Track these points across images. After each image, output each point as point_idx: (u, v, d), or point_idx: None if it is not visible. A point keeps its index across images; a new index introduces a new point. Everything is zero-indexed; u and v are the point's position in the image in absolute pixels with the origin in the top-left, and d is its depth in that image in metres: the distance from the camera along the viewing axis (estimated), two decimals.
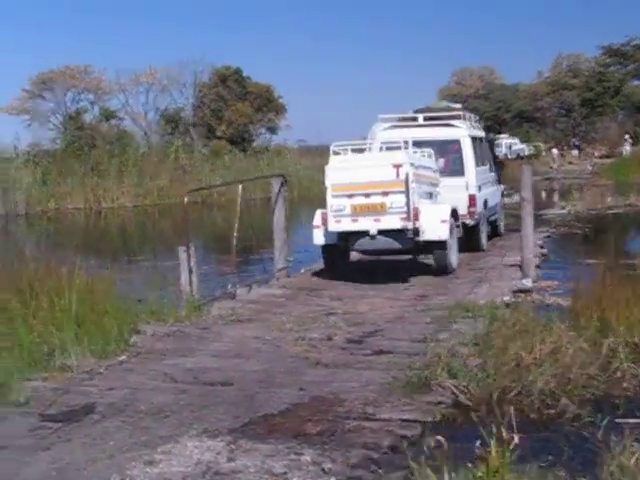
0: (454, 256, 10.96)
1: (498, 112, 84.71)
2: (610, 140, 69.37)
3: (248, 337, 7.50)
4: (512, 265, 11.14)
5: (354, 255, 11.86)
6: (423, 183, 10.74)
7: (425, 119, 12.79)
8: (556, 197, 30.22)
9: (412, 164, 10.27)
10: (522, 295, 9.39)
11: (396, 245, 10.20)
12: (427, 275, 10.87)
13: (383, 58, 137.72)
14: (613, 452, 3.89)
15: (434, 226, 10.26)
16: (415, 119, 12.90)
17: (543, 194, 31.99)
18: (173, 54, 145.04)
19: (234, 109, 50.43)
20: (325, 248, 10.94)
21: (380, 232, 10.02)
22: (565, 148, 56.02)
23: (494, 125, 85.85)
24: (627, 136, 48.59)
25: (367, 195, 10.00)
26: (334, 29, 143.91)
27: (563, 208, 22.45)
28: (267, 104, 53.03)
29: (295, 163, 38.11)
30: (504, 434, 3.79)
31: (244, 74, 53.35)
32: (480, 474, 3.66)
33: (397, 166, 9.95)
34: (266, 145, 49.34)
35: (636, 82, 56.13)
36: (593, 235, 17.13)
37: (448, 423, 5.16)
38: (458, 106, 14.99)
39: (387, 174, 9.95)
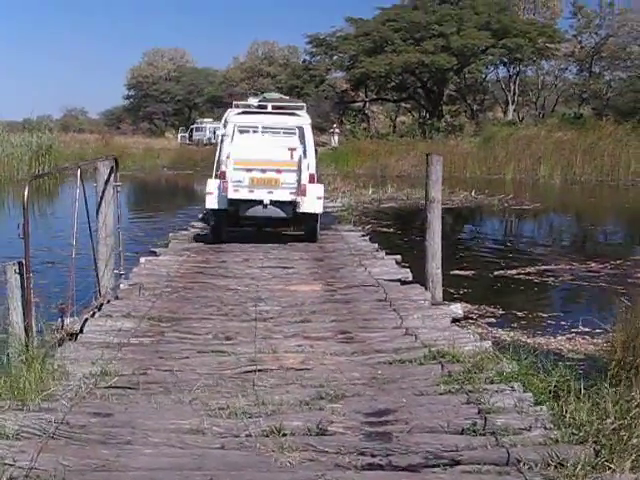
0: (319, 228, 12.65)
1: (190, 95, 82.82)
2: None
3: (186, 429, 4.52)
4: (405, 282, 9.03)
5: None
6: None
7: (273, 108, 13.56)
8: None
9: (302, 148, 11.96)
10: (460, 329, 7.32)
11: (282, 214, 11.72)
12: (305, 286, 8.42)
13: (72, 36, 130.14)
14: None
15: (312, 201, 11.74)
16: (265, 107, 13.64)
17: None
18: None
19: None
20: (216, 212, 12.13)
21: (272, 202, 11.49)
22: None
23: (184, 108, 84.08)
24: (335, 126, 48.74)
25: (263, 171, 11.49)
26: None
27: (333, 200, 20.88)
28: None
29: (3, 140, 32.07)
30: None
31: None
32: None
33: (292, 149, 11.68)
34: None
35: (340, 73, 56.70)
36: (404, 234, 15.61)
37: None
38: (287, 98, 17.24)
39: (283, 155, 11.58)
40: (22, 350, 5.43)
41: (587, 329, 7.73)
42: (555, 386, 5.19)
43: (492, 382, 5.29)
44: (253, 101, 14.68)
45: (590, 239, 16.62)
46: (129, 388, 5.27)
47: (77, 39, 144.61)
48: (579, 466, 3.97)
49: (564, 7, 59.28)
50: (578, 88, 60.44)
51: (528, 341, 7.16)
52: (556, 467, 4.05)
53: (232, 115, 13.09)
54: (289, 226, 13.08)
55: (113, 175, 8.07)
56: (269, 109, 13.46)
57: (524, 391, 5.10)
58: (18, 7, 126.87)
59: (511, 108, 56.58)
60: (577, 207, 23.33)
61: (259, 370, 5.70)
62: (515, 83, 56.53)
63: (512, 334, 7.54)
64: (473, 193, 22.60)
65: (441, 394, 5.14)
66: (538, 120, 51.62)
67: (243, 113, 13.36)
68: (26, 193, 5.63)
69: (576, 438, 4.31)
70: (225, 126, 12.67)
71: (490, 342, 6.26)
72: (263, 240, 12.44)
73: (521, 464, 4.08)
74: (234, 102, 13.93)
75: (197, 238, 12.90)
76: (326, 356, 6.14)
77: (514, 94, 56.43)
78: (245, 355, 6.09)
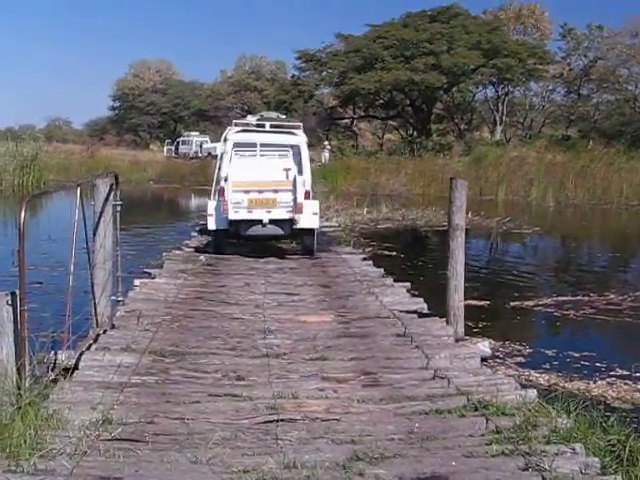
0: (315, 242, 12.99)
1: (176, 108, 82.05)
2: None
3: None
4: (423, 315, 8.41)
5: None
6: None
7: (271, 126, 13.71)
8: None
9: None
10: (491, 370, 6.74)
11: (280, 232, 12.22)
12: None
13: (57, 46, 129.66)
14: None
15: (308, 217, 12.18)
16: (263, 126, 13.75)
17: None
18: None
19: None
20: (217, 232, 12.58)
21: (270, 221, 11.92)
22: None
23: (169, 121, 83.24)
24: (326, 143, 48.18)
25: (261, 191, 11.89)
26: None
27: (327, 220, 20.29)
28: None
29: None
30: None
31: None
32: None
33: (287, 170, 12.15)
34: None
35: (328, 89, 56.26)
36: (407, 258, 15.02)
37: None
38: (284, 117, 17.14)
39: (279, 175, 12.05)
40: (14, 394, 4.75)
41: (625, 372, 7.15)
42: (615, 445, 4.61)
43: (548, 442, 4.66)
44: (252, 119, 14.97)
45: (602, 267, 16.07)
46: (136, 441, 4.61)
47: (62, 49, 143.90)
48: None
49: (553, 29, 59.55)
50: (565, 110, 60.47)
51: (567, 386, 6.56)
52: None
53: (231, 133, 13.37)
54: (287, 240, 13.60)
55: (113, 193, 7.41)
56: (267, 127, 13.65)
57: (587, 454, 4.49)
58: (2, 16, 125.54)
59: (499, 128, 56.43)
60: (578, 231, 22.82)
61: (281, 420, 5.06)
62: (503, 103, 56.33)
63: (547, 377, 6.92)
64: (469, 215, 22.03)
65: (494, 456, 4.51)
66: (525, 141, 51.41)
67: (242, 131, 13.64)
68: (22, 215, 4.93)
69: None
70: (225, 144, 13.09)
71: (535, 391, 5.63)
72: (262, 261, 11.96)
73: None
74: (234, 121, 14.40)
75: (192, 259, 12.29)
76: (353, 403, 5.49)
77: (502, 114, 56.26)
78: (262, 400, 5.43)
